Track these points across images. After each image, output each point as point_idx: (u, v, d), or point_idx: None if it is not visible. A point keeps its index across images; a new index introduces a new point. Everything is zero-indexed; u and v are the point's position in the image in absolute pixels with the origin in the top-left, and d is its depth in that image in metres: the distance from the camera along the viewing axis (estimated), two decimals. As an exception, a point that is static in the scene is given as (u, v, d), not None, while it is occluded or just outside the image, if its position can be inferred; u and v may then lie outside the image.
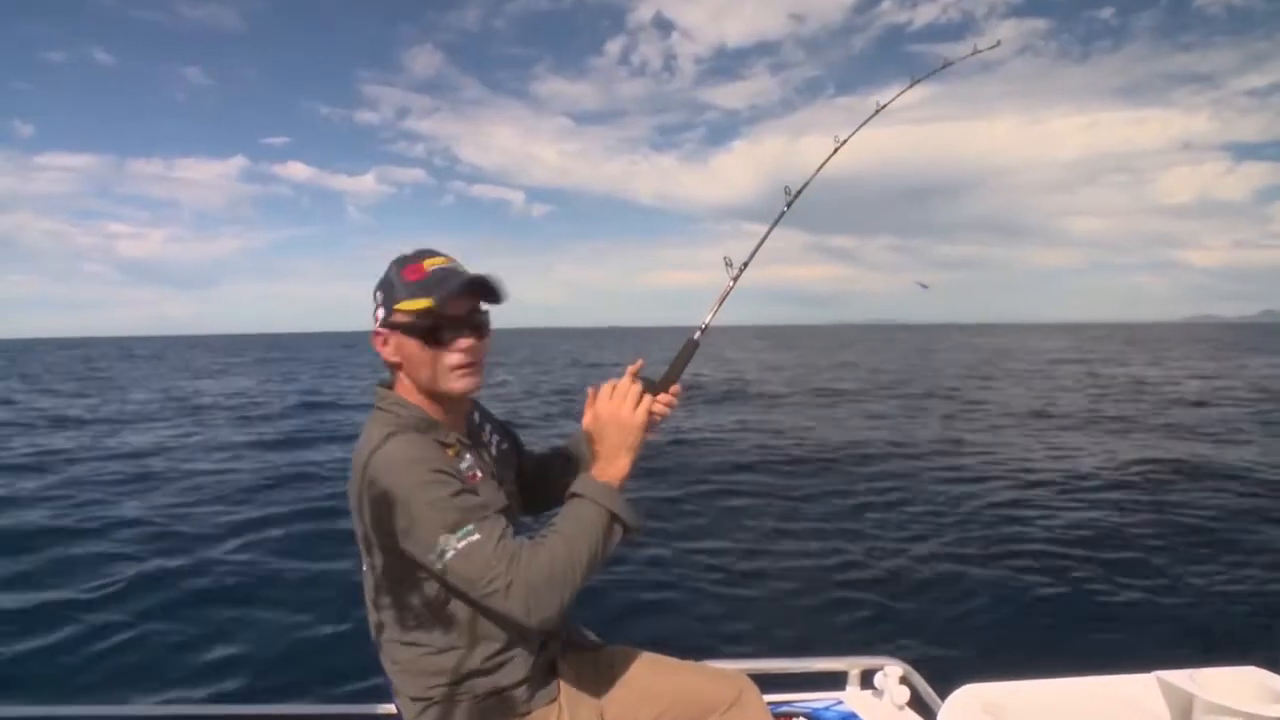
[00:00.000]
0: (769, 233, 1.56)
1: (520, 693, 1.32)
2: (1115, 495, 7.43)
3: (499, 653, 1.30)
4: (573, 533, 1.20)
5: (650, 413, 1.32)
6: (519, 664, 1.33)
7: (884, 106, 1.76)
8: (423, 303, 1.25)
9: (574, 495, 1.25)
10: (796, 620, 4.60)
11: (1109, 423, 12.67)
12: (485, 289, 1.29)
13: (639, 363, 1.39)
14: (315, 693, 3.63)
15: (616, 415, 1.28)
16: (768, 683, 1.66)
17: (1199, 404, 15.48)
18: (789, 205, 1.59)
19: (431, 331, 1.27)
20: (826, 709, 2.00)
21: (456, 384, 1.29)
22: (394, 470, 1.17)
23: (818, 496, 7.62)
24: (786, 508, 7.28)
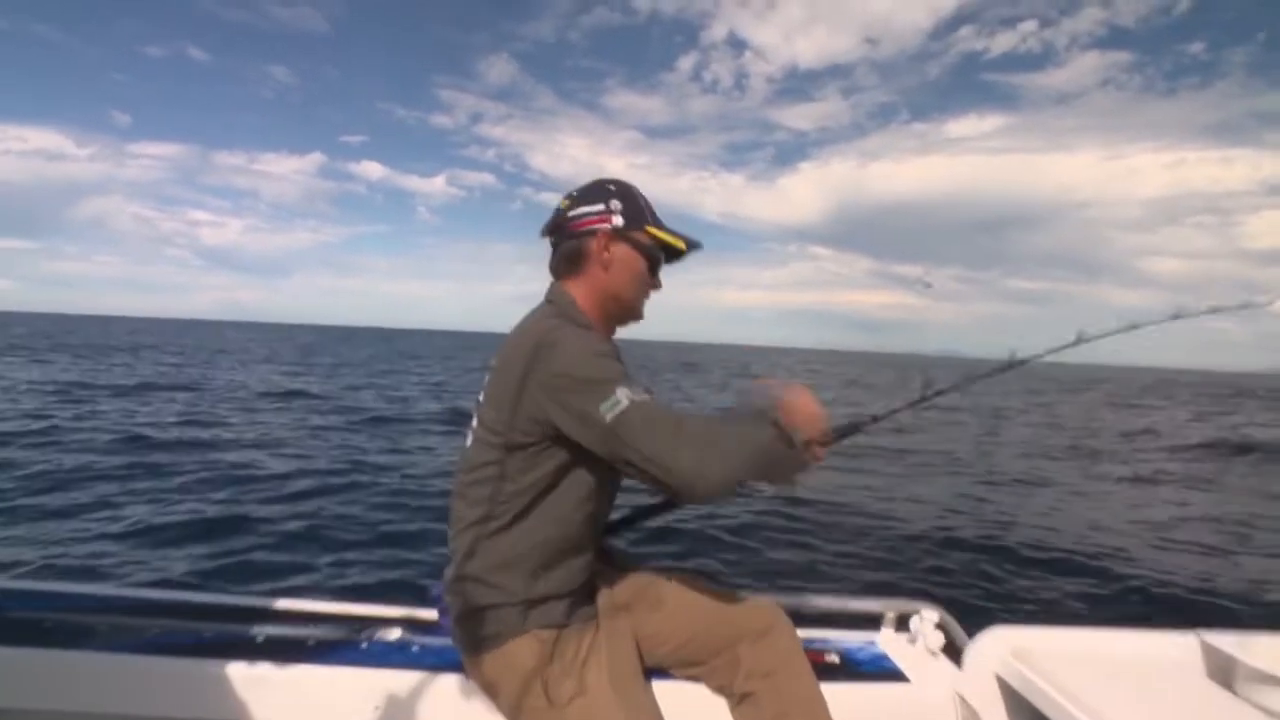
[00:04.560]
0: (971, 381, 1.53)
1: (565, 604, 1.33)
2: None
3: (563, 555, 1.32)
4: (745, 423, 1.22)
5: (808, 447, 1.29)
6: (575, 572, 1.35)
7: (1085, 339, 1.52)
8: (678, 241, 1.40)
9: (756, 412, 1.27)
10: (838, 564, 5.14)
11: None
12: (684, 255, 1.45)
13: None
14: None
15: (802, 395, 1.30)
16: (801, 619, 1.62)
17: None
18: (1005, 368, 1.55)
19: (658, 263, 1.42)
20: (860, 649, 1.98)
21: (641, 310, 1.44)
22: (572, 342, 1.22)
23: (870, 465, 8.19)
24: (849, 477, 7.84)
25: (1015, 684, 1.28)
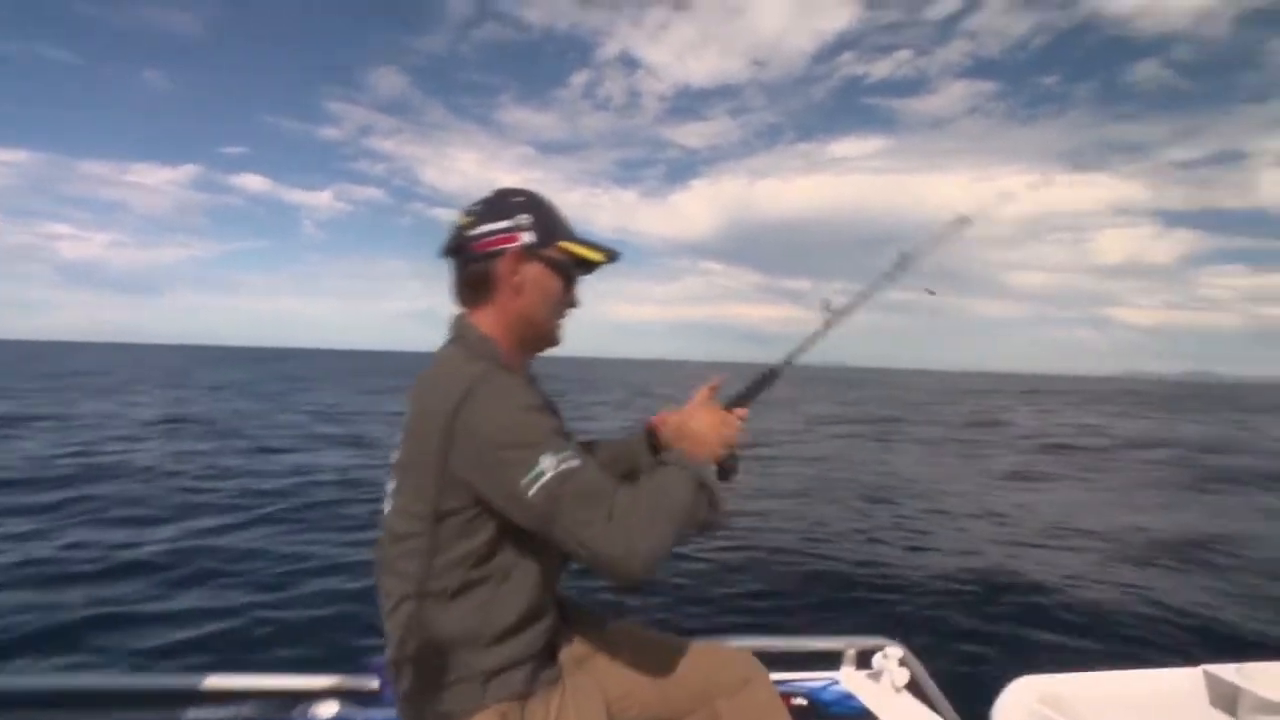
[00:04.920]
0: (876, 286, 1.53)
1: (525, 671, 1.22)
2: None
3: (519, 623, 1.21)
4: (664, 485, 1.13)
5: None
6: (533, 637, 1.24)
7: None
8: (596, 254, 1.28)
9: (663, 463, 1.20)
10: (788, 599, 5.09)
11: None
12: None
13: (718, 379, 1.41)
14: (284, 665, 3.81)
15: (702, 420, 1.30)
16: (762, 660, 1.61)
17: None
18: (897, 268, 1.55)
19: (574, 280, 1.29)
20: (824, 689, 1.96)
21: (560, 334, 1.31)
22: (493, 401, 1.10)
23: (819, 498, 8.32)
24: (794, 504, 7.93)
25: None
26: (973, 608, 5.22)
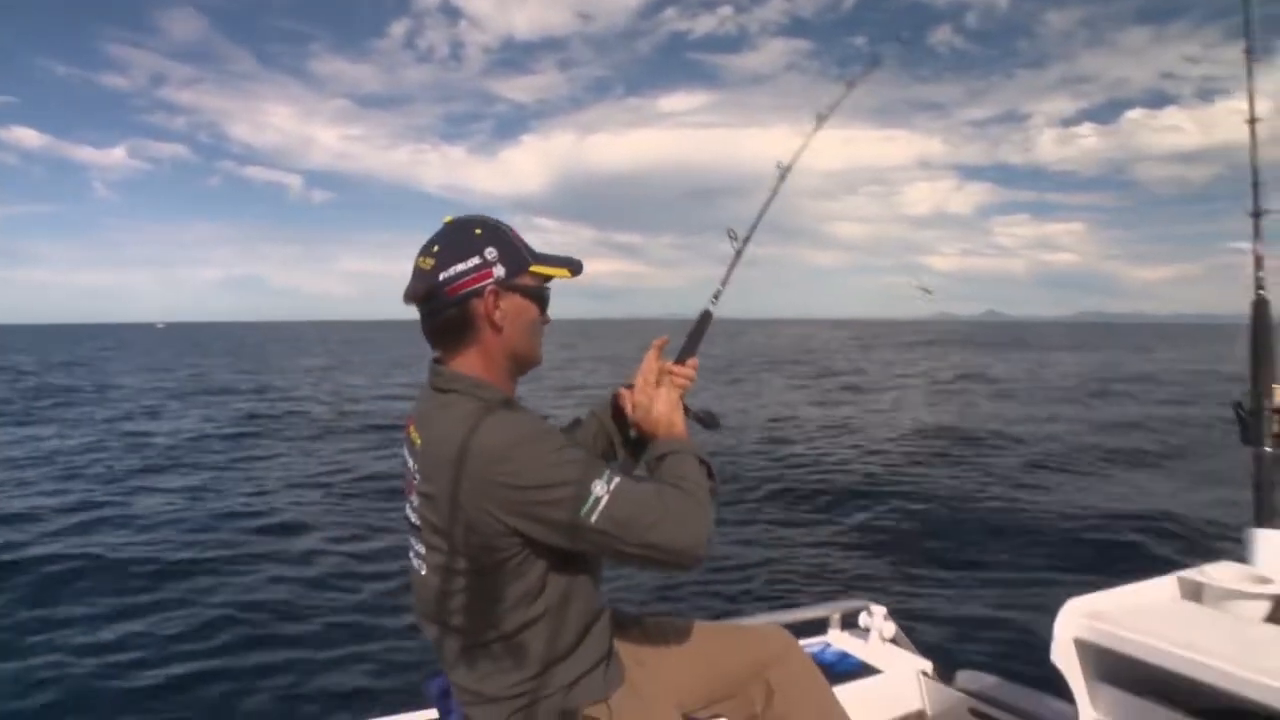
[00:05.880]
0: (769, 203, 1.61)
1: (600, 673, 1.27)
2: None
3: (584, 633, 1.25)
4: (684, 472, 1.21)
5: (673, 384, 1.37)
6: (599, 640, 1.29)
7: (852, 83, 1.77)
8: (564, 271, 1.27)
9: (663, 454, 1.27)
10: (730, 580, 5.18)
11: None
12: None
13: (663, 339, 1.44)
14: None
15: (654, 396, 1.35)
16: None
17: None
18: (783, 178, 1.64)
19: (548, 300, 1.29)
20: (821, 651, 2.12)
21: (541, 353, 1.31)
22: (526, 448, 1.11)
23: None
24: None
25: (1100, 641, 1.48)
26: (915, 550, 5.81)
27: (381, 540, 6.15)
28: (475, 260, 1.19)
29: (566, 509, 1.08)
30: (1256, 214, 1.93)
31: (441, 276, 1.18)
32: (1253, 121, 1.95)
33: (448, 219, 1.27)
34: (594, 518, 1.08)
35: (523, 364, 1.29)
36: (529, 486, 1.09)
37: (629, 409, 1.41)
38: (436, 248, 1.21)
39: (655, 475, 1.24)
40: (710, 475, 1.25)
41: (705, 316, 1.51)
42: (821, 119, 1.68)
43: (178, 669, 3.89)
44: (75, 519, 6.81)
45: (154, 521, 6.74)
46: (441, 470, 1.14)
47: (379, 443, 11.28)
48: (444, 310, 1.20)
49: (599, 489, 1.08)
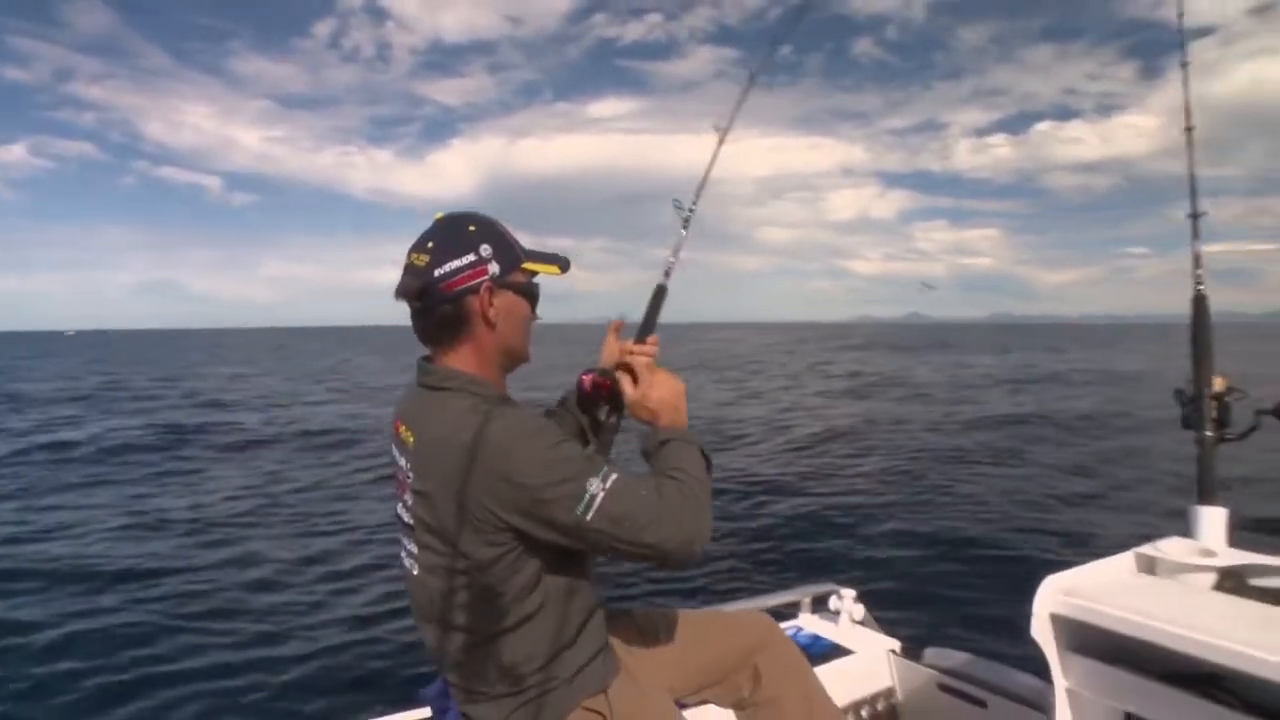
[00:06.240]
0: (710, 167, 1.70)
1: (599, 664, 1.28)
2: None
3: (582, 625, 1.26)
4: (683, 465, 1.21)
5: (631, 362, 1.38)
6: (596, 632, 1.30)
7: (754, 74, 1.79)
8: (554, 268, 1.29)
9: (664, 441, 1.26)
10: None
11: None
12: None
13: (619, 321, 1.45)
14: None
15: (653, 381, 1.34)
16: None
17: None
18: (721, 140, 1.72)
19: (538, 297, 1.31)
20: (794, 635, 2.15)
21: (531, 350, 1.32)
22: (523, 444, 1.11)
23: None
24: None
25: (1073, 614, 1.52)
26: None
27: (327, 543, 6.16)
28: (470, 257, 1.20)
29: (565, 507, 1.09)
30: (1194, 215, 2.07)
31: (437, 273, 1.18)
32: (1189, 130, 2.11)
33: (439, 215, 1.26)
34: (590, 516, 1.09)
35: (514, 360, 1.30)
36: (530, 484, 1.09)
37: (588, 388, 1.44)
38: (431, 244, 1.21)
39: (653, 464, 1.25)
40: (709, 467, 1.26)
41: (660, 291, 1.53)
42: (753, 78, 1.73)
43: (135, 672, 3.88)
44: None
45: (86, 531, 6.54)
46: (440, 468, 1.14)
47: (308, 448, 11.18)
48: (439, 307, 1.21)
49: (594, 487, 1.09)
